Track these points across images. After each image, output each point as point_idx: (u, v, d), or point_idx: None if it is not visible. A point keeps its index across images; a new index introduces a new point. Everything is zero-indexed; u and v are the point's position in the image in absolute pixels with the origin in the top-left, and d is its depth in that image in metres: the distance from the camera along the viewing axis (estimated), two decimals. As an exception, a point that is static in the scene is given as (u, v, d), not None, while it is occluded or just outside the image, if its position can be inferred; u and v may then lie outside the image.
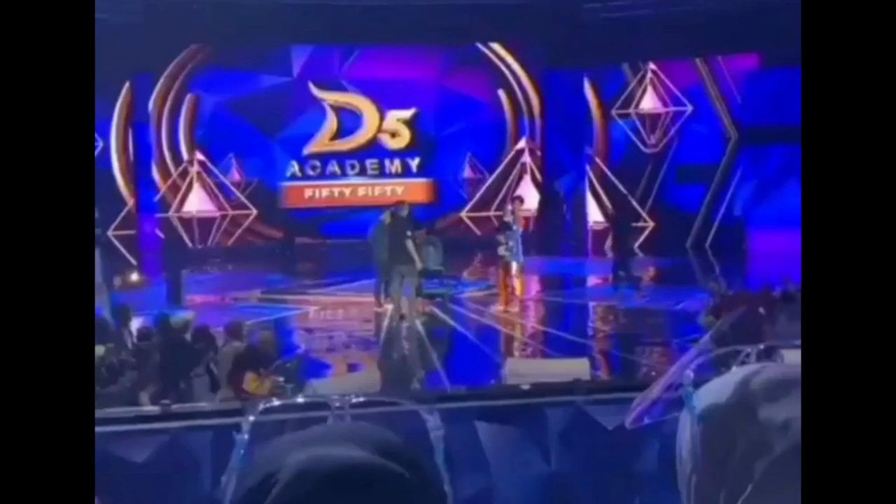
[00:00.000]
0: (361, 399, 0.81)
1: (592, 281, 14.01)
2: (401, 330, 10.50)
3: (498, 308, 11.11)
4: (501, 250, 10.98)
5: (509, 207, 11.36)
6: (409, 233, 10.39)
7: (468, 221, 17.65)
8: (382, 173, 17.36)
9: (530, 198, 17.00)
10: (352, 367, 8.55)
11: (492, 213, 16.87)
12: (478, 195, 17.61)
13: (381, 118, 17.20)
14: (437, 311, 11.22)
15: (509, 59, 17.10)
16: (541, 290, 13.08)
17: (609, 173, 16.79)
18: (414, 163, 17.38)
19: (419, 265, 10.49)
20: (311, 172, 17.01)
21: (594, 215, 16.81)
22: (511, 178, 17.50)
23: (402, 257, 10.35)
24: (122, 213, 14.96)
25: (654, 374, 6.89)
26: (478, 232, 17.43)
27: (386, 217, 11.25)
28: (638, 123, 16.60)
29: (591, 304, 11.81)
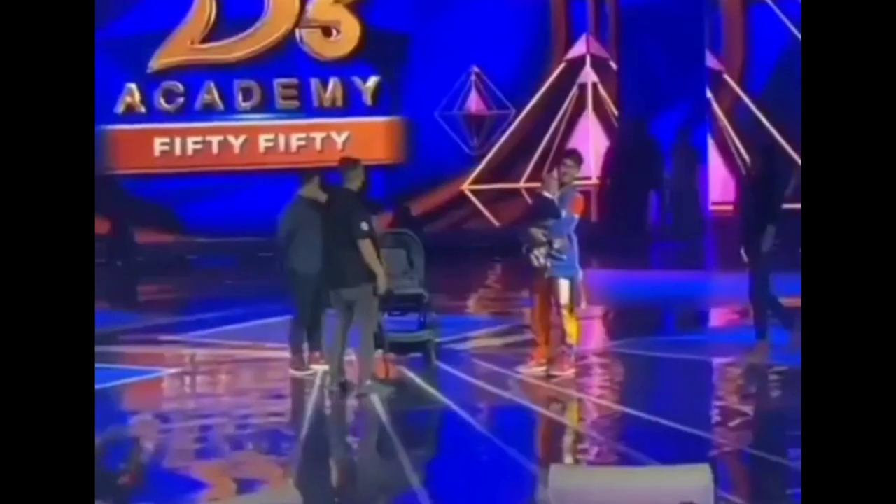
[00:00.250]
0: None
1: (716, 316, 14.29)
2: (342, 413, 10.63)
3: (533, 369, 11.24)
4: (539, 257, 11.01)
5: (554, 174, 11.39)
6: (363, 223, 10.44)
7: (475, 200, 18.00)
8: (305, 107, 17.68)
9: (594, 157, 17.56)
10: (244, 487, 8.60)
11: (522, 184, 17.46)
12: (493, 150, 17.98)
13: (303, -2, 17.78)
14: (412, 375, 11.38)
15: None
16: (613, 334, 13.34)
17: (753, 107, 17.20)
18: (366, 85, 17.70)
19: (382, 285, 10.52)
20: (163, 105, 17.30)
21: (719, 192, 17.09)
22: (559, 117, 17.83)
23: (350, 270, 10.43)
24: None
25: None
26: (495, 221, 17.98)
27: (311, 191, 11.39)
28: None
29: (715, 360, 12.03)
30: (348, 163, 10.97)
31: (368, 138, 17.46)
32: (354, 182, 10.70)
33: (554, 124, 18.06)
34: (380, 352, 11.08)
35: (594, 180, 17.88)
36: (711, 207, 17.49)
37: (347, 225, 10.38)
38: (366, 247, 10.32)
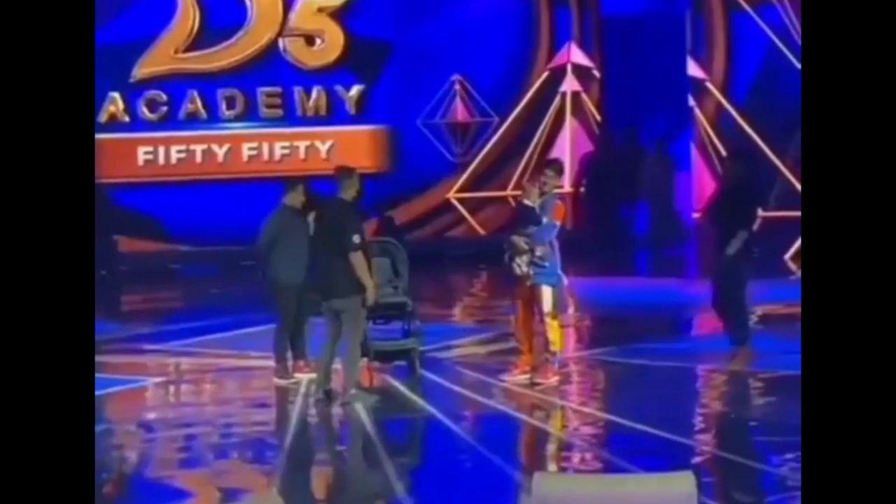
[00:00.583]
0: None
1: (699, 324, 14.34)
2: (327, 421, 10.63)
3: (516, 377, 11.27)
4: (521, 265, 11.03)
5: (535, 183, 11.38)
6: (355, 236, 10.40)
7: (460, 208, 17.99)
8: (288, 116, 17.73)
9: (576, 165, 17.59)
10: (229, 496, 8.62)
11: (508, 192, 17.46)
12: (477, 158, 17.98)
13: (286, 5, 17.55)
14: (397, 384, 11.40)
15: None
16: (597, 341, 13.34)
17: (736, 115, 17.22)
18: (350, 94, 17.77)
19: (371, 297, 10.55)
20: (146, 114, 17.27)
21: (703, 200, 17.05)
22: (543, 125, 17.91)
23: (340, 281, 10.45)
24: None
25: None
26: (479, 229, 17.96)
27: (295, 199, 11.45)
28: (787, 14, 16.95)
29: (698, 367, 12.07)
30: (343, 171, 10.87)
31: (352, 147, 17.44)
32: (349, 192, 10.62)
33: (538, 132, 18.09)
34: (364, 360, 11.07)
35: (576, 188, 17.97)
36: (695, 215, 17.47)
37: (339, 236, 10.36)
38: (357, 259, 10.31)
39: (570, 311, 11.58)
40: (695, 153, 17.90)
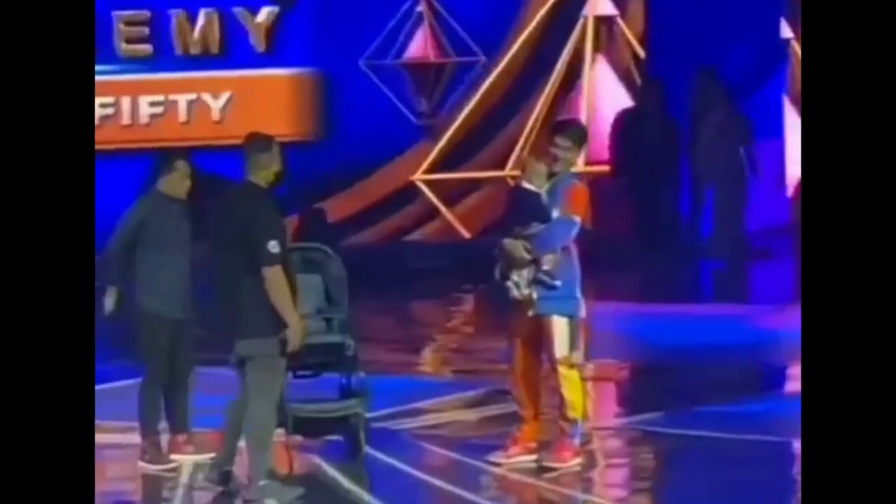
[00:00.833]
0: None
1: (796, 373, 14.21)
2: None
3: (516, 456, 11.36)
4: (521, 284, 11.11)
5: (541, 162, 11.44)
6: (271, 242, 10.31)
7: (431, 197, 18.46)
8: (160, 54, 17.99)
9: (604, 131, 17.91)
10: None
11: (503, 172, 17.83)
12: (457, 122, 18.34)
13: None
14: (330, 469, 11.49)
15: None
16: (638, 403, 13.57)
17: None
18: (257, 20, 17.93)
19: (295, 339, 10.51)
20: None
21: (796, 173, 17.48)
22: (556, 69, 18.15)
23: (247, 313, 10.51)
24: None
25: None
26: (461, 230, 18.45)
27: (173, 185, 11.51)
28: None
29: (796, 444, 11.68)
30: (255, 142, 10.83)
31: (260, 102, 17.43)
32: (263, 173, 10.60)
33: (548, 81, 18.36)
34: (281, 433, 11.12)
35: (604, 167, 18.17)
36: (790, 193, 17.87)
37: (248, 242, 10.41)
38: (274, 278, 10.31)
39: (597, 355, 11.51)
40: (789, 111, 18.08)
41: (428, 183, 18.55)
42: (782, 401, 13.47)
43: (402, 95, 18.35)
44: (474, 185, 18.47)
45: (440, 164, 18.55)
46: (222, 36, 17.82)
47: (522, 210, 11.20)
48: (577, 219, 11.10)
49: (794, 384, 13.80)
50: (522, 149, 16.41)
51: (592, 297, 11.64)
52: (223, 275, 10.62)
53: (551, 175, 11.18)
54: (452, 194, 18.60)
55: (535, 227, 11.02)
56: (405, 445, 12.02)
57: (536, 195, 11.13)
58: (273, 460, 10.79)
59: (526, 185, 11.27)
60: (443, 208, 18.56)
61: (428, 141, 18.48)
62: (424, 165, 18.50)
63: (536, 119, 18.13)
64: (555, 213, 11.03)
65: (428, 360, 15.66)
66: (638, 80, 18.63)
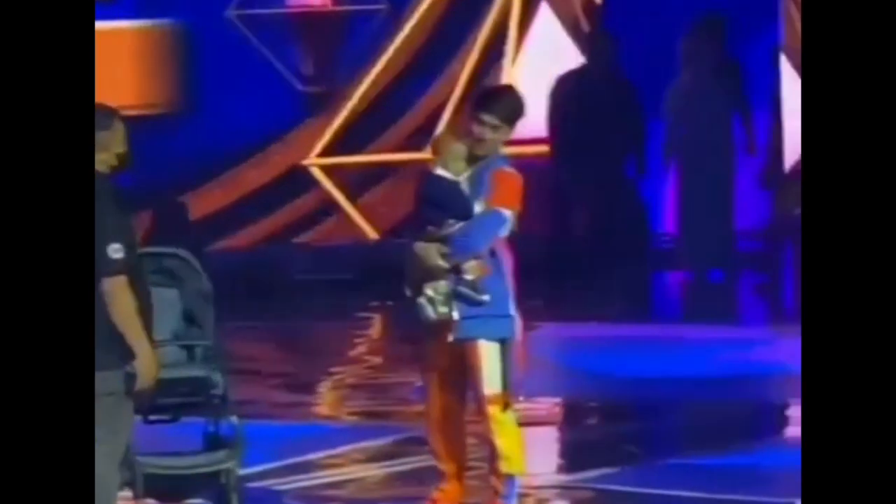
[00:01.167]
0: None
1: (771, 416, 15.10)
2: None
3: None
4: (436, 300, 11.15)
5: (461, 141, 11.51)
6: (113, 246, 10.04)
7: (326, 186, 19.07)
8: None
9: (544, 102, 18.56)
10: None
11: (413, 155, 18.10)
12: (358, 92, 18.98)
13: None
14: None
15: None
16: (593, 454, 13.62)
17: None
18: None
19: (147, 375, 10.32)
20: None
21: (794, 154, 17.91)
22: (487, 18, 18.64)
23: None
24: None
25: None
26: (367, 229, 19.09)
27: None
28: None
29: None
30: (94, 116, 10.70)
31: (100, 63, 17.22)
32: (104, 156, 10.36)
33: (475, 37, 18.63)
34: (129, 494, 11.13)
35: (542, 146, 18.43)
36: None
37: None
38: (115, 293, 10.14)
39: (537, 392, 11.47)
40: (787, 72, 18.34)
41: (322, 169, 18.79)
42: (778, 450, 13.66)
43: (283, 55, 18.46)
44: (382, 171, 18.74)
45: (337, 145, 18.85)
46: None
47: (436, 203, 11.21)
48: (508, 213, 11.14)
49: (793, 429, 14.26)
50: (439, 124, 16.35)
51: (530, 317, 11.63)
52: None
53: (475, 158, 11.17)
54: (353, 184, 18.84)
55: (453, 226, 11.01)
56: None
57: (454, 184, 11.16)
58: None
59: (440, 171, 11.27)
60: (342, 200, 18.77)
61: (321, 115, 18.76)
62: (317, 147, 18.77)
63: (462, 86, 18.46)
64: (478, 207, 11.08)
65: (322, 399, 15.87)
66: (589, 32, 18.94)
